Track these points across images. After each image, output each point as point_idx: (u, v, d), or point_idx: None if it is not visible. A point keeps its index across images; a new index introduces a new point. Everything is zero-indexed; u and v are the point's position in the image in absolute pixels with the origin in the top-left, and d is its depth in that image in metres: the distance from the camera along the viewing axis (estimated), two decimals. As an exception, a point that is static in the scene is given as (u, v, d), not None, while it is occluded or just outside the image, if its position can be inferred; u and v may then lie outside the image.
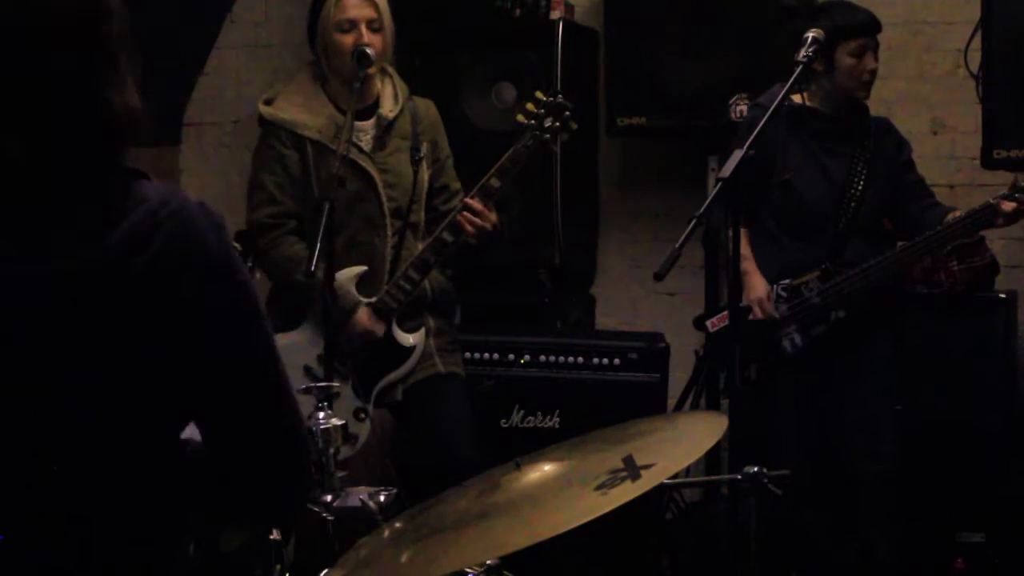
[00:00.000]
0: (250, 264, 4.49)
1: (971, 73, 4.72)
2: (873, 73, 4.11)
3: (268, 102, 4.05)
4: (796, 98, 4.14)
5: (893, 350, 4.23)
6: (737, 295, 3.44)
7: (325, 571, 2.49)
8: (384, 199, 3.96)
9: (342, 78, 3.93)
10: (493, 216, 3.88)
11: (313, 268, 3.52)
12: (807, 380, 4.16)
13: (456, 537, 2.13)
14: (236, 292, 1.69)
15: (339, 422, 2.76)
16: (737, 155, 3.13)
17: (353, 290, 3.90)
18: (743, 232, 4.08)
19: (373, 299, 3.92)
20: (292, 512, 1.96)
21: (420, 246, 3.96)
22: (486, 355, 4.56)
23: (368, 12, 3.90)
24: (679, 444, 2.34)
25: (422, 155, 3.99)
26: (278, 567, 2.50)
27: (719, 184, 3.12)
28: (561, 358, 4.54)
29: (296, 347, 3.93)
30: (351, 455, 3.79)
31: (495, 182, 3.87)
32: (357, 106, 3.84)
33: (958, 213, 4.06)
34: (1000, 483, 4.42)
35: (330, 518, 2.70)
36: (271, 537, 2.53)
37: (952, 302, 4.49)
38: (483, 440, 4.06)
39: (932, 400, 4.43)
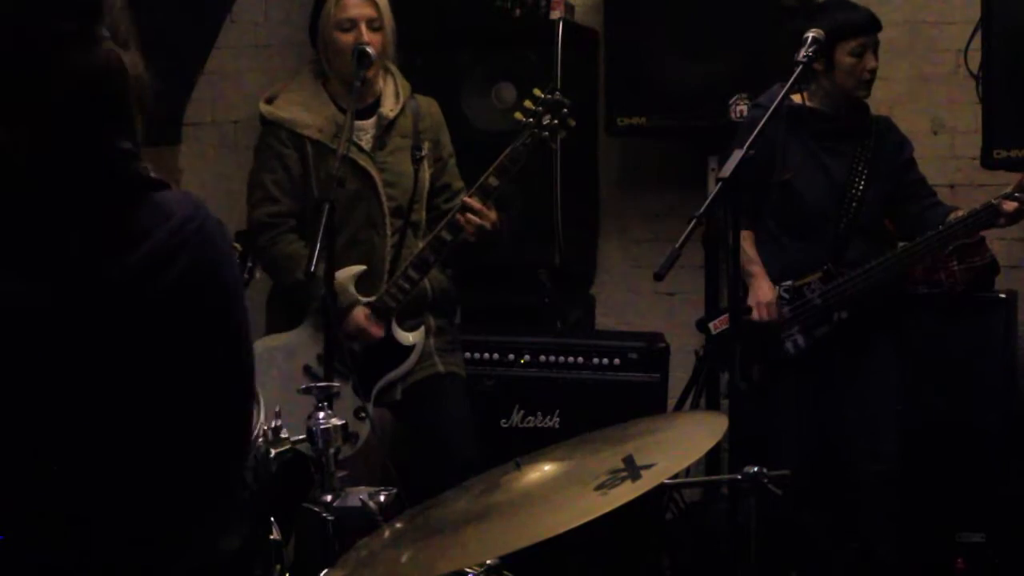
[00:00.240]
0: (250, 264, 4.50)
1: (971, 73, 4.72)
2: (873, 72, 4.11)
3: (269, 101, 4.06)
4: (796, 98, 4.14)
5: (895, 350, 4.23)
6: (737, 295, 3.44)
7: (325, 571, 2.49)
8: (384, 198, 3.96)
9: (342, 77, 3.93)
10: (492, 214, 3.88)
11: (313, 268, 3.51)
12: (808, 380, 4.16)
13: (456, 537, 2.13)
14: (242, 310, 1.70)
15: (339, 422, 2.76)
16: (737, 155, 3.14)
17: (351, 289, 3.90)
18: (749, 234, 4.11)
19: (372, 298, 3.92)
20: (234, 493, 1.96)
21: (420, 245, 3.96)
22: (486, 355, 4.56)
23: (368, 11, 3.90)
24: (679, 444, 2.34)
25: (423, 154, 3.99)
26: (278, 567, 2.50)
27: (719, 184, 3.12)
28: (561, 358, 4.54)
29: (296, 347, 3.93)
30: (351, 454, 3.79)
31: (494, 181, 3.87)
32: (358, 105, 3.84)
33: (960, 213, 4.06)
34: (1000, 483, 4.42)
35: (330, 518, 2.70)
36: (271, 537, 2.53)
37: (952, 302, 4.49)
38: (483, 440, 4.06)
39: (932, 400, 4.43)
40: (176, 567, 1.71)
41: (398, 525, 2.32)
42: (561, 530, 1.95)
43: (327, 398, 2.83)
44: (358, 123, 3.93)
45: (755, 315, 4.08)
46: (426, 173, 4.03)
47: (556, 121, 3.88)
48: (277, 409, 2.67)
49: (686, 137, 4.91)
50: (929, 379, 4.45)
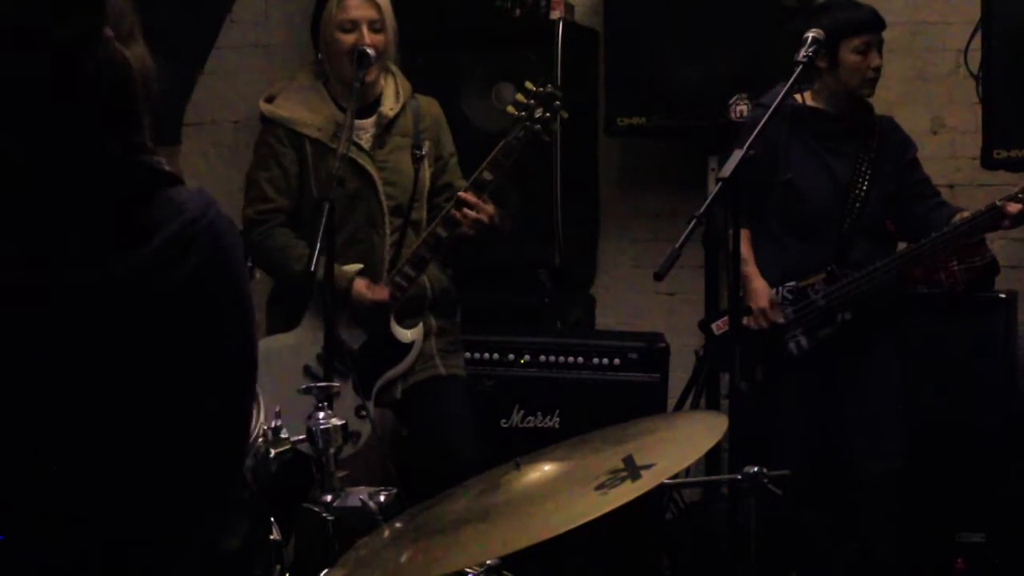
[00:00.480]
0: (250, 264, 4.50)
1: (971, 73, 4.72)
2: (877, 70, 4.10)
3: (269, 99, 4.06)
4: (800, 98, 4.15)
5: (896, 350, 4.23)
6: (737, 296, 3.45)
7: (325, 571, 2.49)
8: (383, 197, 3.96)
9: (343, 78, 3.93)
10: (490, 208, 3.88)
11: (313, 268, 3.51)
12: (811, 380, 4.16)
13: (456, 537, 2.13)
14: (250, 308, 1.71)
15: (339, 422, 2.76)
16: (737, 155, 3.14)
17: (344, 268, 3.87)
18: (746, 232, 4.10)
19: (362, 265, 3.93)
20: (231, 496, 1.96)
21: (419, 243, 3.97)
22: (486, 355, 4.56)
23: (370, 12, 3.90)
24: (679, 444, 2.34)
25: (423, 153, 3.99)
26: (278, 567, 2.50)
27: (719, 184, 3.12)
28: (561, 358, 4.54)
29: (296, 347, 3.93)
30: (352, 454, 3.79)
31: (487, 175, 3.87)
32: (358, 104, 3.84)
33: (965, 214, 4.05)
34: (1000, 483, 4.42)
35: (330, 518, 2.70)
36: (271, 537, 2.53)
37: (952, 302, 4.49)
38: (483, 440, 4.06)
39: (932, 400, 4.43)
40: (176, 567, 1.71)
41: (398, 525, 2.32)
42: (561, 530, 1.95)
43: (327, 398, 2.83)
44: (358, 122, 3.93)
45: (752, 323, 4.07)
46: (426, 172, 4.03)
47: (548, 114, 3.87)
48: (277, 409, 2.67)
49: (686, 137, 4.91)
50: (929, 379, 4.44)
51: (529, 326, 4.80)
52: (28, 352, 1.57)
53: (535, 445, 2.43)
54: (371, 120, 3.99)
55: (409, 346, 3.99)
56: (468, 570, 2.40)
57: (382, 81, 4.01)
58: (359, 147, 3.94)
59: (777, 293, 4.14)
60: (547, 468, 2.28)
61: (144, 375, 1.61)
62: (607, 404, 4.36)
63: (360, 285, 3.88)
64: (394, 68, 4.08)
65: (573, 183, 4.97)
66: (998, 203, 3.95)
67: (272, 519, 2.56)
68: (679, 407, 4.60)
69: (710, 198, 3.17)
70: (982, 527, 4.43)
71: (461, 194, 3.85)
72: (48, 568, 1.61)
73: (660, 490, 3.00)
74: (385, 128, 4.00)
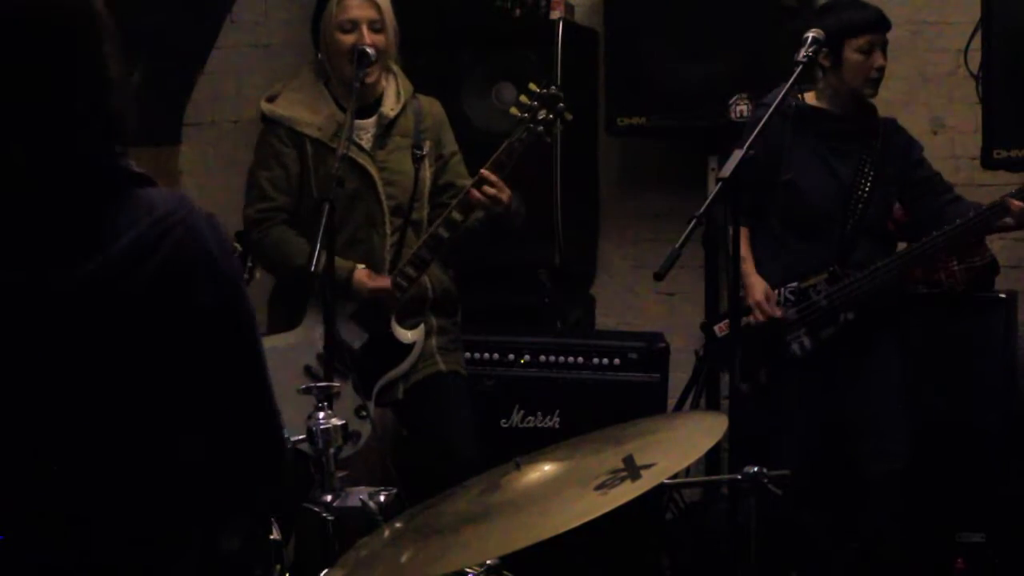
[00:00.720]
0: (250, 264, 4.49)
1: (971, 73, 4.73)
2: (881, 70, 4.10)
3: (270, 99, 4.06)
4: (804, 98, 4.15)
5: (899, 350, 4.22)
6: (737, 297, 3.44)
7: (325, 571, 2.49)
8: (383, 197, 3.96)
9: (344, 78, 3.93)
10: (508, 191, 3.86)
11: (313, 268, 3.51)
12: (813, 380, 4.16)
13: (456, 537, 2.13)
14: (236, 302, 1.70)
15: (339, 422, 2.76)
16: (737, 155, 3.14)
17: (344, 262, 3.87)
18: (743, 231, 4.10)
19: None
20: (259, 508, 1.97)
21: (420, 244, 3.96)
22: (486, 355, 4.56)
23: (370, 12, 3.90)
24: (679, 444, 2.34)
25: (424, 153, 3.98)
26: (278, 567, 2.50)
27: (719, 184, 3.12)
28: (561, 358, 4.54)
29: (296, 347, 3.93)
30: (352, 453, 3.79)
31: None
32: (358, 105, 3.84)
33: (976, 211, 4.04)
34: (1000, 483, 4.42)
35: (330, 518, 2.70)
36: (271, 537, 2.53)
37: (952, 302, 4.49)
38: (483, 440, 4.06)
39: (932, 400, 4.43)
40: (176, 567, 1.71)
41: (398, 525, 2.32)
42: (561, 530, 1.95)
43: (327, 398, 2.83)
44: (358, 122, 3.93)
45: (754, 317, 4.08)
46: (427, 172, 4.02)
47: (551, 115, 3.87)
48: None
49: (686, 137, 4.91)
50: (929, 379, 4.44)
51: (529, 326, 4.80)
52: (18, 353, 1.57)
53: (535, 445, 2.42)
54: (372, 120, 3.99)
55: (410, 347, 3.99)
56: (468, 570, 2.40)
57: (383, 81, 4.01)
58: (359, 147, 3.94)
59: (779, 294, 4.14)
60: (547, 468, 2.28)
61: (130, 371, 1.61)
62: (607, 404, 4.36)
63: (361, 274, 3.88)
64: (395, 68, 4.07)
65: (573, 183, 4.97)
66: (1002, 199, 3.94)
67: (272, 519, 2.56)
68: (679, 407, 4.60)
69: (710, 198, 3.16)
70: (982, 527, 4.43)
71: (484, 171, 3.83)
72: (48, 568, 1.61)
73: (660, 490, 3.00)
74: (386, 128, 3.99)
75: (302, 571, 2.69)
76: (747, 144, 3.18)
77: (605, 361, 4.49)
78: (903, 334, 4.28)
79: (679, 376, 4.69)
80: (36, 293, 1.57)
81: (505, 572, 2.48)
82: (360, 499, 2.70)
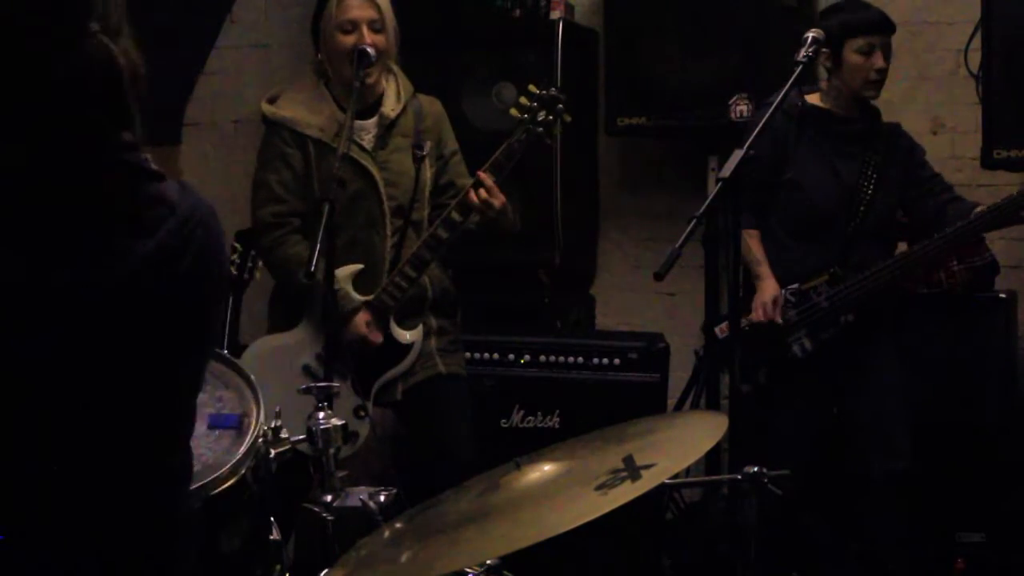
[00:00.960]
0: (250, 264, 4.50)
1: (971, 73, 4.73)
2: (881, 72, 4.10)
3: (271, 100, 4.06)
4: (809, 99, 4.15)
5: (899, 349, 4.23)
6: (737, 297, 3.44)
7: (325, 571, 2.49)
8: (385, 197, 3.95)
9: (344, 79, 3.92)
10: (502, 197, 3.86)
11: (313, 268, 3.51)
12: (813, 381, 4.16)
13: (456, 537, 2.13)
14: (221, 304, 1.71)
15: (339, 422, 2.77)
16: (737, 155, 3.14)
17: (351, 291, 3.89)
18: (756, 233, 4.11)
19: (370, 297, 3.92)
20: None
21: (421, 244, 3.96)
22: (486, 355, 4.57)
23: (370, 13, 3.90)
24: (679, 444, 2.34)
25: (424, 153, 3.98)
26: (278, 567, 2.50)
27: (719, 184, 3.12)
28: (561, 358, 4.54)
29: (296, 347, 3.93)
30: (352, 453, 3.79)
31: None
32: (359, 105, 3.83)
33: (981, 209, 4.04)
34: (1000, 483, 4.42)
35: (330, 518, 2.70)
36: (271, 537, 2.53)
37: (952, 302, 4.49)
38: (483, 440, 4.05)
39: (932, 400, 4.43)
40: (176, 567, 1.71)
41: (398, 525, 2.32)
42: (561, 530, 1.95)
43: (327, 398, 2.83)
44: (359, 123, 3.93)
45: (755, 315, 4.08)
46: (427, 172, 4.02)
47: (551, 117, 3.87)
48: (277, 409, 2.67)
49: (686, 137, 4.91)
50: (929, 379, 4.44)
51: (529, 326, 4.80)
52: (28, 353, 1.57)
53: (535, 445, 2.42)
54: (373, 121, 3.98)
55: (409, 347, 3.98)
56: (468, 570, 2.40)
57: (383, 82, 4.00)
58: (361, 147, 3.94)
59: (781, 295, 4.14)
60: (547, 468, 2.28)
61: (140, 372, 1.61)
62: (607, 404, 4.36)
63: (361, 320, 3.88)
64: (396, 68, 4.07)
65: (573, 183, 4.97)
66: (1016, 195, 3.94)
67: (272, 519, 2.57)
68: (679, 407, 4.60)
69: (710, 198, 3.16)
70: (982, 527, 4.43)
71: (480, 173, 3.84)
72: (48, 568, 1.61)
73: (660, 490, 2.99)
74: (387, 129, 3.99)
75: (302, 571, 2.69)
76: (747, 144, 3.18)
77: (605, 361, 4.49)
78: (903, 334, 4.28)
79: (679, 376, 4.70)
80: (57, 294, 1.56)
81: (505, 572, 2.48)
82: (360, 499, 2.70)
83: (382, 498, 2.71)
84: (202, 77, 5.76)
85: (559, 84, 4.02)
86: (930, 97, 5.02)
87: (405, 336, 3.98)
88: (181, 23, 5.39)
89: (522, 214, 4.75)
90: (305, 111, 3.99)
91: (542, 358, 4.55)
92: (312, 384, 2.88)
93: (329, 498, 2.72)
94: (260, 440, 2.54)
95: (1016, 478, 4.40)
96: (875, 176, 4.15)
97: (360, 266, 3.93)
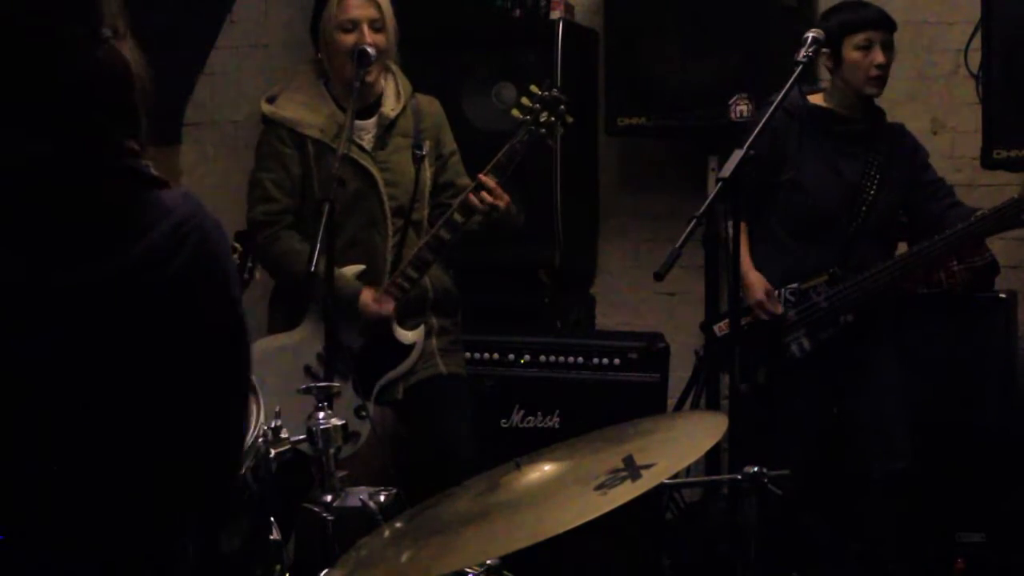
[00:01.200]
0: (250, 264, 4.49)
1: (971, 73, 4.73)
2: (881, 68, 4.09)
3: (270, 100, 4.05)
4: (812, 99, 4.15)
5: (898, 349, 4.22)
6: (737, 298, 3.44)
7: (325, 571, 2.49)
8: (385, 198, 3.96)
9: (344, 78, 3.92)
10: (506, 197, 3.87)
11: (313, 268, 3.51)
12: (812, 381, 4.16)
13: (456, 537, 2.13)
14: (237, 312, 1.71)
15: (339, 422, 2.76)
16: (737, 155, 3.14)
17: (350, 276, 3.88)
18: (741, 227, 4.10)
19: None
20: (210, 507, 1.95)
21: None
22: (486, 355, 4.56)
23: (370, 12, 3.90)
24: (679, 444, 2.34)
25: (424, 153, 3.98)
26: (278, 567, 2.50)
27: (719, 184, 3.12)
28: (561, 358, 4.54)
29: (296, 347, 3.93)
30: (352, 453, 3.80)
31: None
32: (358, 105, 3.83)
33: (982, 212, 4.03)
34: (1000, 483, 4.42)
35: (330, 518, 2.70)
36: (271, 537, 2.53)
37: (952, 302, 4.49)
38: (483, 440, 4.06)
39: (932, 400, 4.43)
40: (176, 567, 1.71)
41: (398, 525, 2.32)
42: (561, 530, 1.95)
43: (327, 398, 2.83)
44: (359, 123, 3.93)
45: (755, 315, 4.08)
46: (427, 172, 4.02)
47: (553, 118, 3.88)
48: (277, 409, 2.67)
49: (686, 137, 4.91)
50: (929, 379, 4.44)
51: (529, 326, 4.80)
52: (28, 353, 1.57)
53: (535, 445, 2.42)
54: (372, 121, 3.98)
55: (410, 347, 3.98)
56: (468, 570, 2.40)
57: (382, 81, 4.00)
58: (360, 148, 3.94)
59: (779, 295, 4.14)
60: (547, 468, 2.28)
61: (138, 371, 1.62)
62: (607, 404, 4.36)
63: (367, 296, 3.88)
64: (394, 68, 4.07)
65: (573, 183, 4.97)
66: (1017, 197, 3.93)
67: (272, 519, 2.57)
68: (679, 407, 4.60)
69: (710, 198, 3.16)
70: (982, 527, 4.42)
71: (482, 176, 3.84)
72: (48, 568, 1.61)
73: (660, 490, 3.00)
74: (386, 129, 3.99)
75: (302, 571, 2.68)
76: (747, 144, 3.18)
77: (605, 361, 4.49)
78: (903, 334, 4.28)
79: (679, 376, 4.69)
80: (52, 295, 1.57)
81: (505, 572, 2.48)
82: (360, 499, 2.70)
83: (382, 498, 2.71)
84: (202, 77, 5.75)
85: (559, 84, 4.02)
86: (930, 97, 5.02)
87: (408, 336, 3.98)
88: (181, 23, 5.38)
89: (522, 214, 4.76)
90: (305, 111, 3.99)
91: (542, 358, 4.55)
92: (312, 384, 2.88)
93: (329, 498, 2.72)
94: (260, 440, 2.54)
95: (1016, 478, 4.40)
96: (878, 176, 4.15)
97: (362, 267, 3.93)
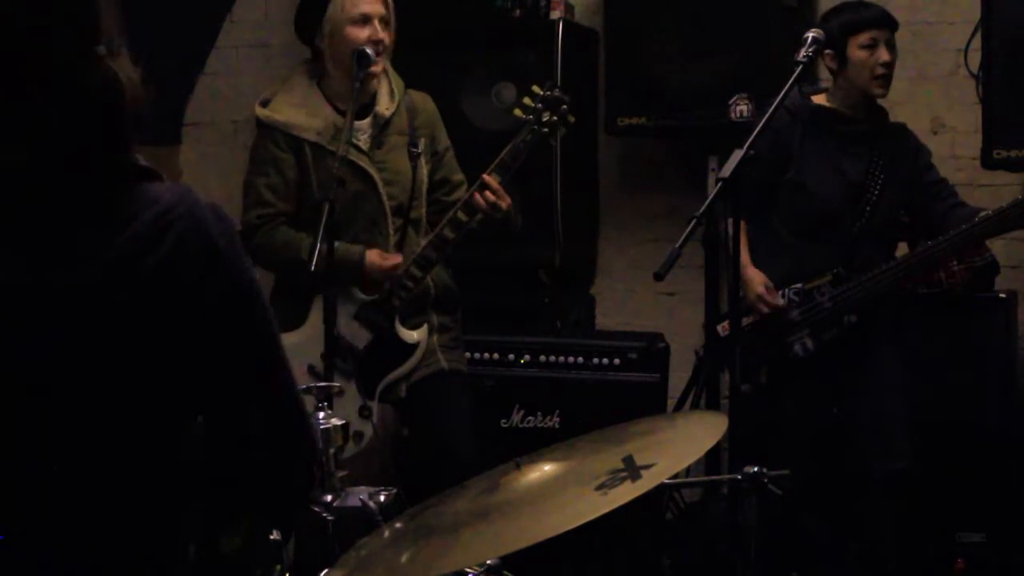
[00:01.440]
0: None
1: (971, 73, 4.73)
2: (886, 66, 4.10)
3: (264, 103, 4.03)
4: (815, 99, 4.16)
5: (900, 349, 4.23)
6: (737, 298, 3.44)
7: (325, 571, 2.49)
8: (385, 197, 3.95)
9: (347, 73, 3.89)
10: (508, 199, 3.87)
11: (313, 268, 3.51)
12: (814, 381, 4.16)
13: (456, 537, 2.13)
14: (243, 292, 1.69)
15: (339, 422, 2.76)
16: (737, 155, 3.14)
17: (347, 244, 3.86)
18: (743, 225, 4.09)
19: (375, 296, 3.92)
20: (294, 500, 1.96)
21: (422, 242, 3.96)
22: (486, 355, 4.56)
23: (380, 8, 3.90)
24: (679, 444, 2.34)
25: (420, 151, 3.98)
26: (278, 567, 2.50)
27: (719, 184, 3.12)
28: (561, 358, 4.54)
29: (300, 347, 3.93)
30: (356, 452, 3.80)
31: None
32: (355, 105, 3.83)
33: (985, 213, 4.03)
34: (1000, 483, 4.42)
35: (330, 518, 2.70)
36: (271, 537, 2.52)
37: (952, 302, 4.49)
38: (483, 440, 4.06)
39: (932, 400, 4.43)
40: (176, 567, 1.71)
41: (398, 525, 2.32)
42: (561, 530, 1.95)
43: (327, 398, 2.83)
44: (355, 123, 3.92)
45: (757, 312, 4.08)
46: (424, 169, 4.02)
47: (556, 118, 3.88)
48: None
49: (686, 137, 4.91)
50: (929, 379, 4.44)
51: (529, 326, 4.80)
52: (28, 353, 1.57)
53: (535, 445, 2.42)
54: (367, 121, 3.98)
55: (414, 346, 3.99)
56: (468, 570, 2.40)
57: (375, 81, 4.00)
58: (358, 148, 3.93)
59: (783, 295, 4.14)
60: (547, 468, 2.28)
61: (136, 366, 1.61)
62: (607, 404, 4.36)
63: (373, 255, 3.88)
64: (387, 66, 4.06)
65: (573, 183, 4.97)
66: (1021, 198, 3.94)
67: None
68: (679, 407, 4.60)
69: (710, 198, 3.16)
70: (982, 527, 4.42)
71: (486, 176, 3.84)
72: (48, 568, 1.61)
73: (660, 490, 3.00)
74: (382, 128, 3.99)
75: (302, 571, 2.68)
76: (747, 144, 3.18)
77: (605, 361, 4.49)
78: (903, 334, 4.28)
79: (679, 376, 4.69)
80: (40, 289, 1.57)
81: (505, 572, 2.48)
82: (360, 499, 2.70)
83: (382, 498, 2.71)
84: (202, 77, 5.76)
85: (559, 84, 4.01)
86: (930, 97, 5.02)
87: (412, 336, 3.98)
88: (181, 23, 5.39)
89: (522, 214, 4.76)
90: (300, 114, 3.97)
91: (542, 358, 4.55)
92: (313, 384, 2.88)
93: (329, 498, 2.72)
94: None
95: (1016, 478, 4.40)
96: (882, 176, 4.15)
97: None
